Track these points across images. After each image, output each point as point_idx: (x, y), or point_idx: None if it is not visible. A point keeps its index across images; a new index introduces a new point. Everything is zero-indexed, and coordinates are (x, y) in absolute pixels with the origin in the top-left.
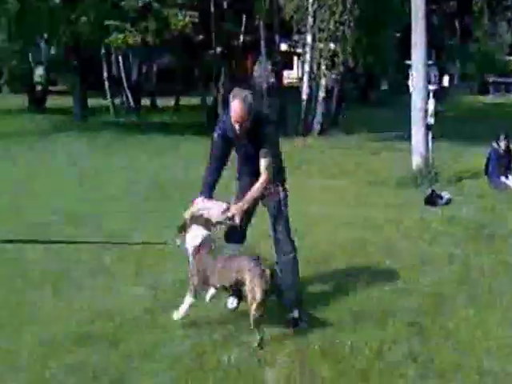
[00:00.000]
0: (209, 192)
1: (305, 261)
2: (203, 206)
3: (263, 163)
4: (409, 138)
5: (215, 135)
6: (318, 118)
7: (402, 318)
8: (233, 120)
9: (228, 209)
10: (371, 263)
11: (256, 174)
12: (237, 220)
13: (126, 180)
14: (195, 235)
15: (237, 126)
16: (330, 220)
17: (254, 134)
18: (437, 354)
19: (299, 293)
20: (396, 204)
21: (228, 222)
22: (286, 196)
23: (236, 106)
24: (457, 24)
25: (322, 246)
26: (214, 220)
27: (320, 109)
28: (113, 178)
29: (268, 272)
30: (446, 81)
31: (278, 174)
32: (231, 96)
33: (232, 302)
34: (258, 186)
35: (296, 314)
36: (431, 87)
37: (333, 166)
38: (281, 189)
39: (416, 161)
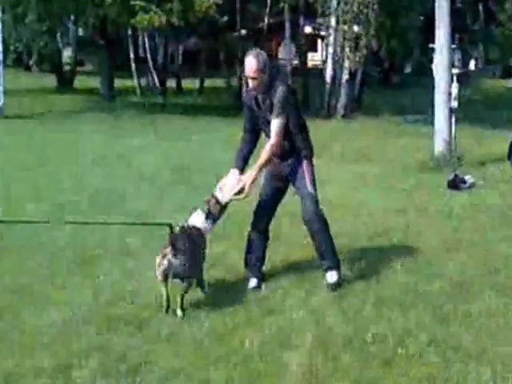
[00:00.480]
0: (241, 164)
1: None
2: (221, 184)
3: (274, 124)
4: (432, 121)
5: (244, 108)
6: (342, 100)
7: (425, 304)
8: (246, 75)
9: (239, 181)
10: (394, 248)
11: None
12: (247, 189)
13: (149, 161)
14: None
15: (250, 83)
16: (352, 204)
17: (271, 97)
18: (460, 342)
19: (336, 259)
20: (419, 188)
21: (238, 197)
22: (312, 171)
23: (249, 61)
24: (480, 8)
25: (344, 230)
26: (225, 199)
27: (344, 91)
28: (137, 158)
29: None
30: (472, 65)
31: (304, 148)
32: (245, 56)
33: (253, 283)
34: (266, 149)
35: (334, 279)
36: (455, 71)
37: (355, 149)
38: (305, 163)
39: (439, 145)
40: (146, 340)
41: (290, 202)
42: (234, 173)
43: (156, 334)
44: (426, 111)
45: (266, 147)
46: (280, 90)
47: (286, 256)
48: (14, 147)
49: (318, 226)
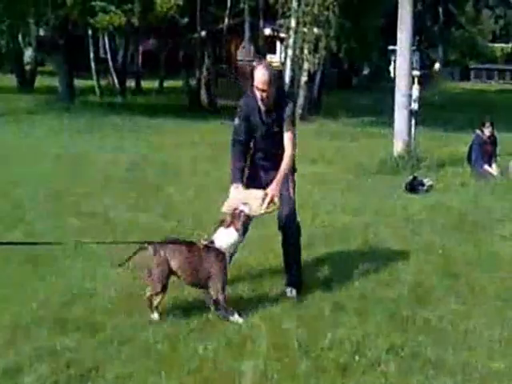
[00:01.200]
0: (240, 179)
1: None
2: (240, 198)
3: (288, 137)
4: (391, 123)
5: (236, 121)
6: (300, 102)
7: (383, 310)
8: (257, 88)
9: (266, 195)
10: (351, 251)
11: (273, 158)
12: (276, 201)
13: (107, 160)
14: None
15: (261, 95)
16: (308, 206)
17: (278, 111)
18: (419, 349)
19: (299, 276)
20: (377, 190)
21: (269, 210)
22: (295, 185)
23: (261, 73)
24: (440, 10)
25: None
26: (256, 214)
27: (302, 93)
28: (94, 158)
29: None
30: (437, 66)
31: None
32: (254, 67)
33: None
34: (286, 161)
35: (292, 294)
36: (415, 72)
37: (313, 151)
38: (290, 177)
39: (398, 147)
40: (98, 344)
41: None
42: (237, 187)
43: (109, 339)
44: (383, 113)
45: (285, 160)
46: (290, 105)
47: (243, 261)
48: None
49: (292, 234)
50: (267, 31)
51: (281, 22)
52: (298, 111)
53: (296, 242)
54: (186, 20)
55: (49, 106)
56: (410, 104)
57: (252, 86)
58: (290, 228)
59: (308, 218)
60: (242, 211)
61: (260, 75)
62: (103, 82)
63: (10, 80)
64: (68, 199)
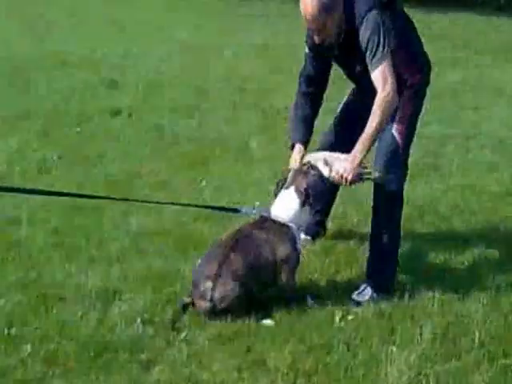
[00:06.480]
0: (306, 134)
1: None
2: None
3: (377, 75)
4: None
5: (305, 50)
6: None
7: None
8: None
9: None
10: None
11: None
12: (348, 181)
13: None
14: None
15: (314, 36)
16: None
17: (353, 40)
18: None
19: (384, 276)
20: None
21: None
22: (413, 108)
23: (303, 3)
24: None
25: None
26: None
27: None
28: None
29: None
30: None
31: (411, 75)
32: None
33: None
34: (379, 106)
35: (364, 298)
36: None
37: None
38: (405, 97)
39: None
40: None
41: None
42: (299, 150)
43: None
44: None
45: (378, 103)
46: (370, 22)
47: None
48: None
49: (385, 205)
50: None
51: None
52: None
53: (389, 219)
54: None
55: None
56: None
57: None
58: (382, 194)
59: None
60: (311, 167)
61: (304, 6)
62: None
63: None
64: (250, 93)
